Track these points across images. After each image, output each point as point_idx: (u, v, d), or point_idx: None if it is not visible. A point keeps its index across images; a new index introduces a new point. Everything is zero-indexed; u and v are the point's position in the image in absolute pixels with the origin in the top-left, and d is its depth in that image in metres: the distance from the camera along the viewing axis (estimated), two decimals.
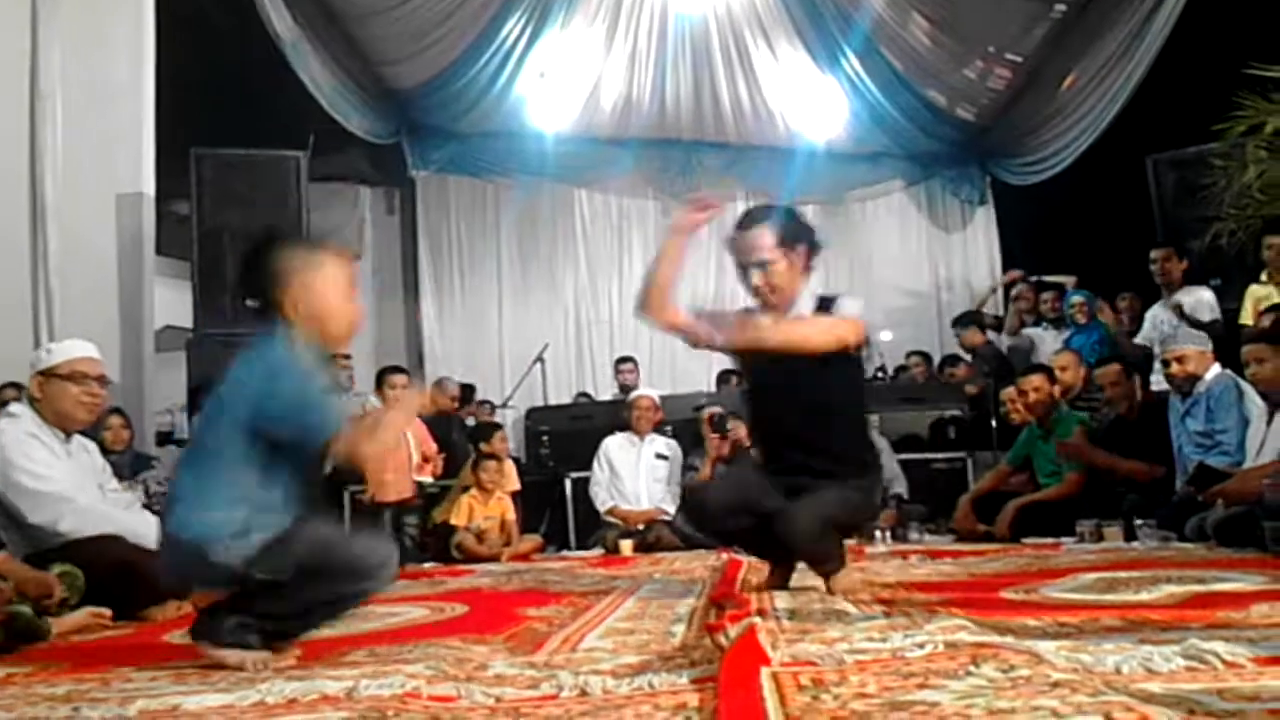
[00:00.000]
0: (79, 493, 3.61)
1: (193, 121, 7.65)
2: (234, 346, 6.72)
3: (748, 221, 3.50)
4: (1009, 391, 6.59)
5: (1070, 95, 9.35)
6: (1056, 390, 6.09)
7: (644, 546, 6.72)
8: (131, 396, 6.56)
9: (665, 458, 7.17)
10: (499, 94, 10.28)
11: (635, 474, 7.13)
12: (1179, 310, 6.35)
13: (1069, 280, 8.17)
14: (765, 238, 3.42)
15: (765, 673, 1.64)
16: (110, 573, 3.41)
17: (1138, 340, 7.02)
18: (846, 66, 10.22)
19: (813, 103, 10.79)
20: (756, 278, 3.41)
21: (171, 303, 7.62)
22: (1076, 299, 7.67)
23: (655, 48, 10.34)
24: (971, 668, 1.63)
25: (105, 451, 4.37)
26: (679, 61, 10.51)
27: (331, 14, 8.77)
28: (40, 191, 6.59)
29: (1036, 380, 6.09)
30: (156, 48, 7.23)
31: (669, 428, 7.61)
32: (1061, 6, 9.12)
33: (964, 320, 8.68)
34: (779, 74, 10.63)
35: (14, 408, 3.75)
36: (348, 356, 7.46)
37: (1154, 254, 6.85)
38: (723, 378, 9.59)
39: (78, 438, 3.83)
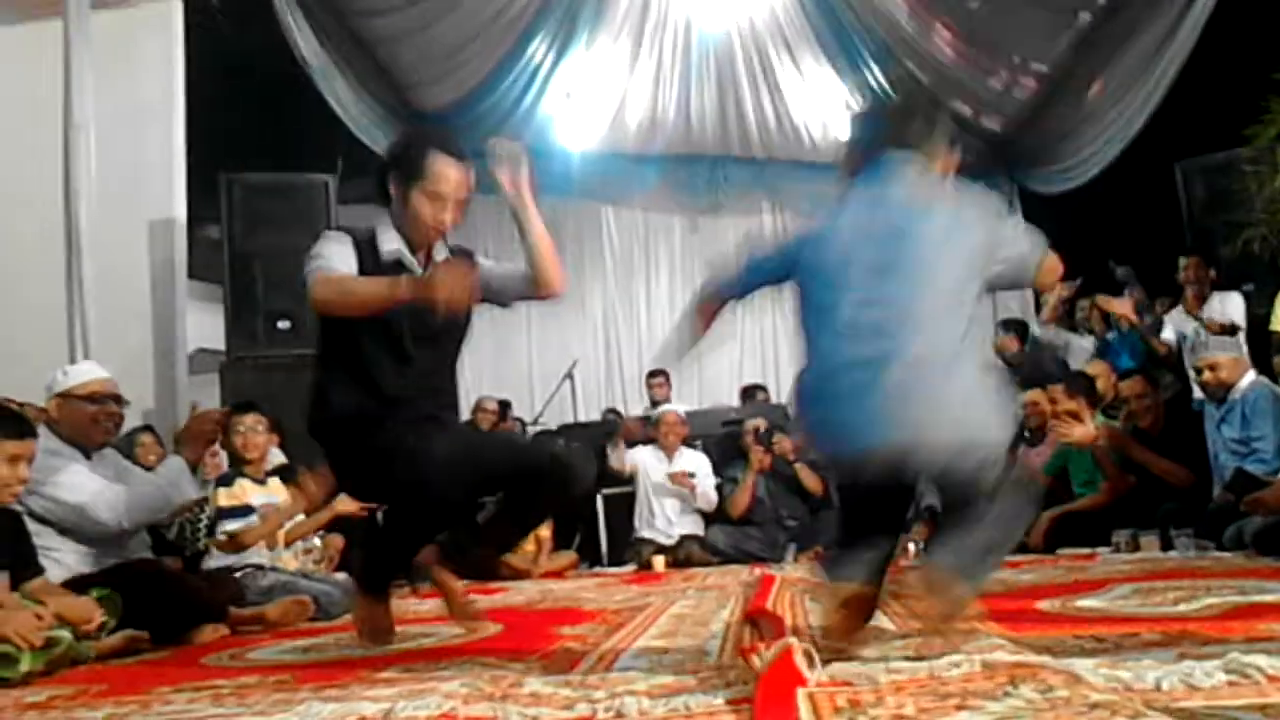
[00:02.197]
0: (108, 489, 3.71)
1: (223, 147, 7.72)
2: (267, 369, 6.81)
3: (459, 152, 3.04)
4: (1030, 395, 6.53)
5: (1097, 103, 9.28)
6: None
7: (676, 562, 6.72)
8: (165, 420, 6.62)
9: (692, 478, 7.16)
10: (525, 114, 10.32)
11: (664, 491, 7.12)
12: (1219, 328, 6.23)
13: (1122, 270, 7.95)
14: (471, 178, 3.08)
15: (801, 694, 1.63)
16: (149, 596, 3.45)
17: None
18: (871, 80, 10.20)
19: (838, 116, 10.76)
20: (454, 213, 3.03)
21: (204, 326, 7.67)
22: None
23: (680, 64, 10.36)
24: (1009, 688, 1.62)
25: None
26: (703, 77, 10.53)
27: (358, 38, 8.84)
28: (74, 219, 6.67)
29: (1035, 394, 6.09)
30: (186, 75, 7.32)
31: (698, 442, 7.60)
32: (1086, 15, 9.06)
33: (1008, 324, 8.58)
34: (803, 88, 10.62)
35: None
36: None
37: (1182, 261, 6.78)
38: (747, 392, 9.61)
39: (96, 452, 3.88)
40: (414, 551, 3.00)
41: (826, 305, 2.23)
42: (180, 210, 7.29)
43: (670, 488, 7.11)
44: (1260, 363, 5.31)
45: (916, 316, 2.15)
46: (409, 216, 3.00)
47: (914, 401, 2.07)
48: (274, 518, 4.73)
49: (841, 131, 10.79)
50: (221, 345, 7.16)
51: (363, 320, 2.86)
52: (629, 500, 7.26)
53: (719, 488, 7.17)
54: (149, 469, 5.40)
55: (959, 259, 2.25)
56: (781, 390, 10.36)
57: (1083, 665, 1.76)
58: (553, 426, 9.06)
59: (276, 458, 5.51)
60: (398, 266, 2.96)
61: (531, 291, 3.15)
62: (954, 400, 2.09)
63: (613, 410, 10.15)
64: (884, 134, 2.48)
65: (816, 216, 2.49)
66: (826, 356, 2.20)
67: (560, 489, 2.93)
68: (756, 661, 1.88)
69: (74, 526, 3.59)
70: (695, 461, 7.26)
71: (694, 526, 7.07)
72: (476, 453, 3.01)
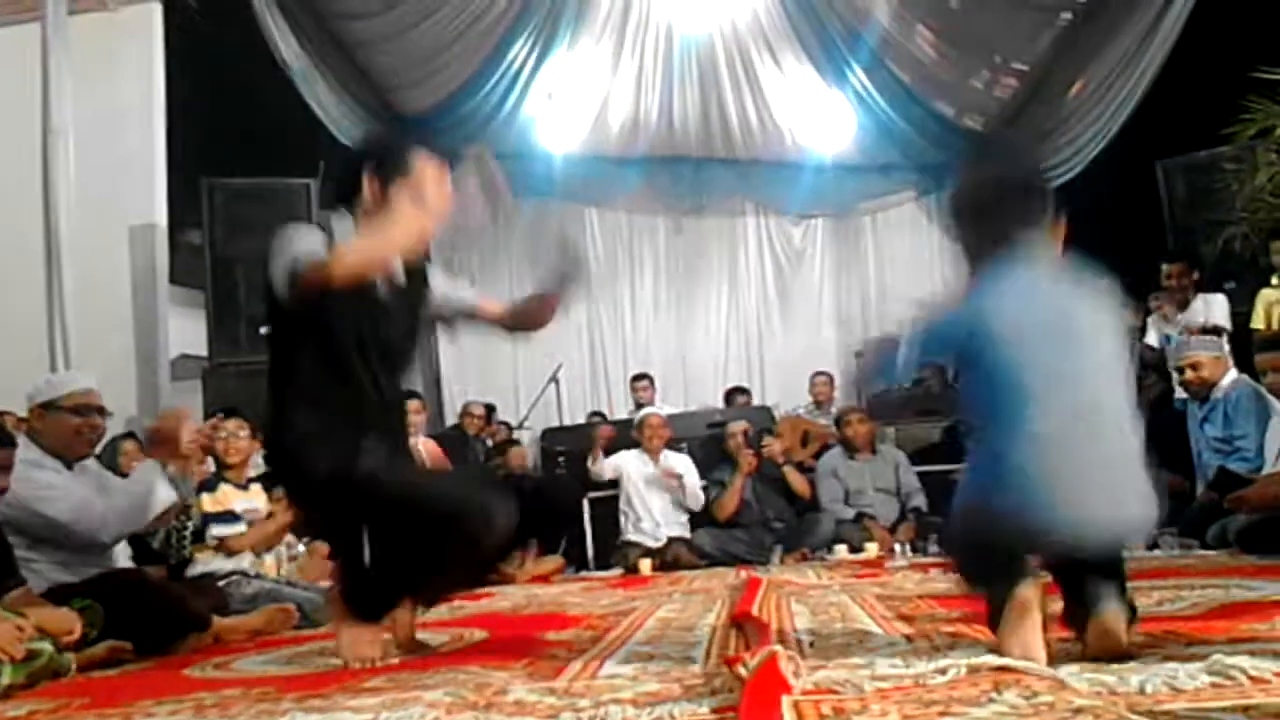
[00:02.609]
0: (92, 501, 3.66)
1: (203, 151, 7.71)
2: (250, 374, 6.81)
3: (442, 155, 2.92)
4: None
5: (1078, 102, 9.32)
6: None
7: (663, 565, 6.71)
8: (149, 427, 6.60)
9: (679, 476, 7.16)
10: (508, 116, 10.30)
11: (649, 494, 7.11)
12: (1205, 329, 6.24)
13: None
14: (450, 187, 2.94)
15: (787, 702, 1.63)
16: (131, 606, 3.42)
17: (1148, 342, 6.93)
18: (853, 80, 10.22)
19: (820, 117, 10.79)
20: (435, 223, 2.88)
21: (186, 332, 7.65)
22: None
23: (662, 66, 10.35)
24: (994, 694, 1.62)
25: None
26: (686, 79, 10.52)
27: (339, 41, 8.82)
28: (54, 225, 6.65)
29: None
30: (165, 79, 7.29)
31: (684, 444, 7.59)
32: (1067, 14, 9.10)
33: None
34: (786, 89, 10.63)
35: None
36: None
37: (1166, 268, 6.75)
38: (731, 395, 9.64)
39: (78, 463, 3.84)
40: (419, 579, 2.81)
41: (1014, 407, 2.18)
42: (161, 215, 7.27)
43: (656, 489, 7.10)
44: (1242, 361, 5.33)
45: (1106, 405, 2.19)
46: (386, 211, 2.77)
47: (1119, 487, 2.13)
48: (267, 526, 4.73)
49: (819, 129, 10.86)
50: (204, 351, 7.13)
51: (329, 339, 2.72)
52: (615, 504, 7.25)
53: (705, 489, 7.17)
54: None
55: (1119, 333, 2.29)
56: (766, 393, 10.37)
57: (1067, 670, 1.76)
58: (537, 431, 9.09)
59: (261, 464, 5.49)
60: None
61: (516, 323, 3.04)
62: (1140, 480, 2.15)
63: (598, 413, 10.15)
64: (1012, 214, 2.41)
65: (960, 297, 2.39)
66: (1023, 452, 2.15)
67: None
68: (742, 669, 1.88)
69: (53, 538, 3.56)
70: (679, 463, 7.25)
71: (680, 529, 7.07)
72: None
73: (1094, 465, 2.10)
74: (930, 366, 2.32)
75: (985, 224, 2.42)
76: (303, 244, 2.70)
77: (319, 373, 2.76)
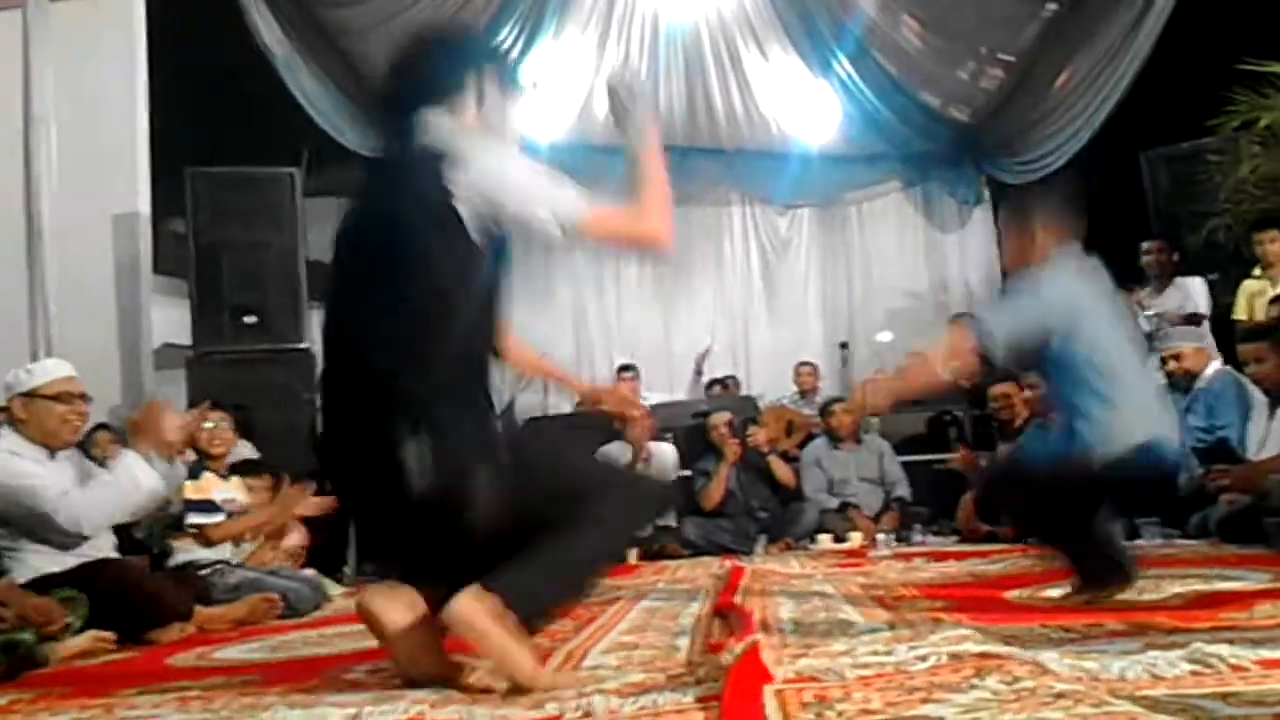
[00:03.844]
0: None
1: (187, 140, 7.65)
2: (233, 364, 6.76)
3: None
4: (1001, 388, 6.52)
5: (1064, 93, 9.33)
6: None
7: (648, 555, 6.71)
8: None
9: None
10: None
11: None
12: (1185, 319, 6.27)
13: None
14: None
15: (768, 691, 1.63)
16: (114, 596, 3.42)
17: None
18: (839, 70, 10.20)
19: (806, 107, 10.78)
20: None
21: (170, 321, 7.60)
22: None
23: (647, 55, 10.32)
24: (975, 680, 1.62)
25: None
26: (671, 68, 10.50)
27: (322, 28, 8.76)
28: (36, 214, 6.59)
29: (1006, 387, 6.17)
30: (148, 67, 7.25)
31: (669, 434, 7.59)
32: (1053, 5, 9.11)
33: (960, 320, 8.63)
34: (771, 79, 10.62)
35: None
36: None
37: (1145, 245, 6.81)
38: (708, 386, 9.67)
39: (60, 452, 3.82)
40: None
41: (1120, 362, 2.94)
42: (144, 204, 7.22)
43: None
44: (1225, 352, 5.35)
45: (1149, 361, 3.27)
46: (504, 128, 2.40)
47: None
48: (246, 522, 4.71)
49: (805, 119, 10.85)
50: (188, 340, 7.09)
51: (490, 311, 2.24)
52: None
53: (690, 480, 7.18)
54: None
55: None
56: (752, 383, 10.37)
57: (1049, 655, 1.77)
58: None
59: (242, 452, 5.48)
60: None
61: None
62: None
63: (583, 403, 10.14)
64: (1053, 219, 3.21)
65: (1040, 292, 3.01)
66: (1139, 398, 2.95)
67: None
68: (726, 655, 1.88)
69: (34, 528, 3.53)
70: (661, 452, 7.26)
71: (666, 518, 7.07)
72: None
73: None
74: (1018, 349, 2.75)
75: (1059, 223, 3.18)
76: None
77: (477, 365, 2.20)
